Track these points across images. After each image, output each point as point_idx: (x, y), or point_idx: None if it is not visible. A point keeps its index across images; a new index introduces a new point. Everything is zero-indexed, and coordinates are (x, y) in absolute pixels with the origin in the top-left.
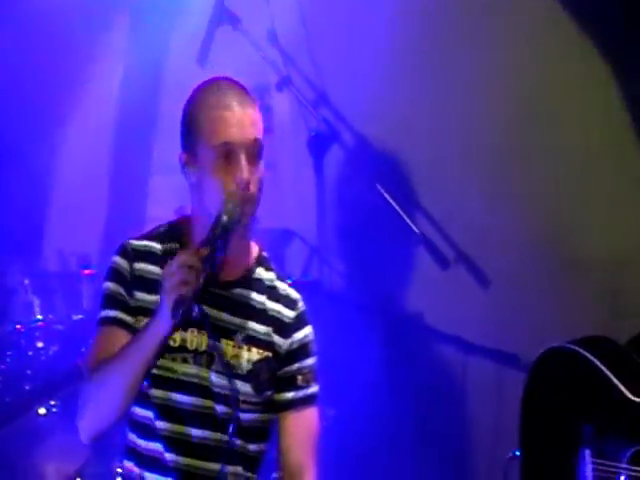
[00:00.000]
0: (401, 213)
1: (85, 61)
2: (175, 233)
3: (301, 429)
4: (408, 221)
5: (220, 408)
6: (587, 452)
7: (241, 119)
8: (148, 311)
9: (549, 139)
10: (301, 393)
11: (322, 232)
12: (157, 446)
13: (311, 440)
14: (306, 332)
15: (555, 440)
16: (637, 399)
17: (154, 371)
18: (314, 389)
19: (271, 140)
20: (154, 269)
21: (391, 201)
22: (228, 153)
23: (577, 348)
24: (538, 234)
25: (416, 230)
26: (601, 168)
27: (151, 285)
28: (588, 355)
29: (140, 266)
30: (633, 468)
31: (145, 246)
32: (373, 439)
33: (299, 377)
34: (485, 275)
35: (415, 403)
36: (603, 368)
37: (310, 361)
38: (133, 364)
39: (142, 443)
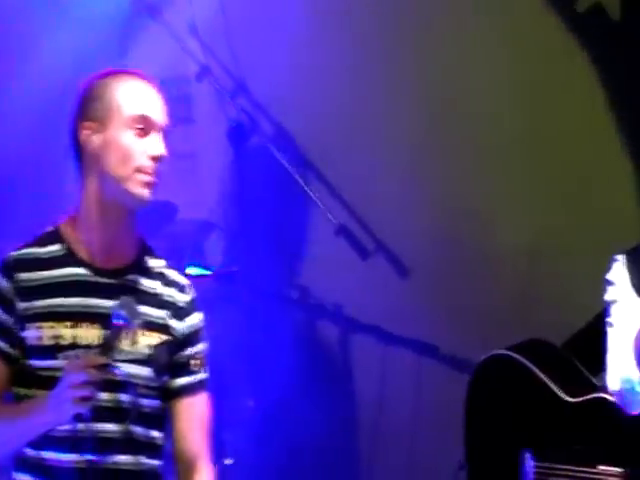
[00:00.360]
0: (320, 204)
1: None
2: (58, 234)
3: (195, 415)
4: (327, 211)
5: (123, 397)
6: (528, 455)
7: (158, 101)
8: (39, 316)
9: (465, 136)
10: (194, 378)
11: (241, 222)
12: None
13: (205, 425)
14: (199, 317)
15: (498, 444)
16: (571, 399)
17: (46, 373)
18: (205, 375)
19: (191, 131)
20: (40, 275)
21: (310, 192)
22: (146, 126)
23: (513, 354)
24: (456, 226)
25: (334, 220)
26: (514, 164)
27: (39, 291)
28: (524, 361)
29: (24, 276)
30: (572, 468)
31: (27, 254)
32: (292, 429)
33: (192, 362)
34: (404, 265)
35: (334, 393)
36: (539, 372)
37: (202, 346)
38: (17, 435)
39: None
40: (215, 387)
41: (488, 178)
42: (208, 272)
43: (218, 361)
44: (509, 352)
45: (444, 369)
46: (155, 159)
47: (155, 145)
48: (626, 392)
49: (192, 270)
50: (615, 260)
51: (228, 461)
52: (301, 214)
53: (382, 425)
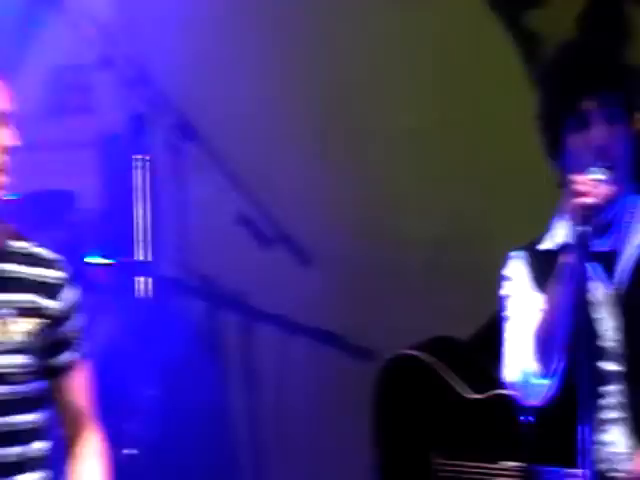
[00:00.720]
0: (220, 192)
1: None
2: None
3: (79, 385)
4: (228, 200)
5: (3, 388)
6: (434, 454)
7: None
8: None
9: (372, 123)
10: (75, 353)
11: (147, 213)
12: None
13: (90, 393)
14: (75, 292)
15: (407, 445)
16: (473, 396)
17: None
18: (86, 347)
19: (91, 120)
20: None
21: (212, 182)
22: None
23: (418, 353)
24: (361, 215)
25: (235, 209)
26: (421, 151)
27: None
28: (429, 359)
29: None
30: (476, 465)
31: None
32: (194, 417)
33: (72, 338)
34: (307, 254)
35: (236, 381)
36: (443, 371)
37: (80, 321)
38: None
39: None
40: (115, 376)
41: (399, 164)
42: (108, 261)
43: (118, 350)
44: (413, 351)
45: (345, 358)
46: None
47: None
48: (523, 384)
49: (91, 259)
50: (511, 257)
51: (130, 451)
52: (202, 202)
53: (282, 412)
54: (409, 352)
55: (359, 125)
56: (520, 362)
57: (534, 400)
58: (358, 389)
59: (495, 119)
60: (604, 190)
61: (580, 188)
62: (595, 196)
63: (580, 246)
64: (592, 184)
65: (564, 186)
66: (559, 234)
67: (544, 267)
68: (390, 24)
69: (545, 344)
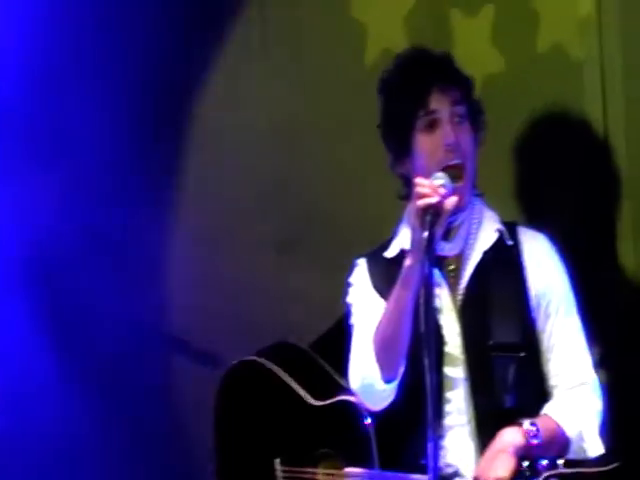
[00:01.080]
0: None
1: None
2: None
3: None
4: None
5: None
6: (277, 461)
7: None
8: None
9: (230, 120)
10: None
11: None
12: None
13: None
14: None
15: (251, 453)
16: (316, 403)
17: None
18: None
19: None
20: None
21: None
22: None
23: (260, 359)
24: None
25: None
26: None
27: None
28: (272, 365)
29: None
30: (317, 471)
31: None
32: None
33: None
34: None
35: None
36: (286, 377)
37: None
38: None
39: None
40: None
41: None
42: None
43: None
44: (256, 357)
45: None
46: None
47: None
48: (365, 389)
49: None
50: (356, 265)
51: None
52: None
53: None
54: (251, 358)
55: (214, 125)
56: (363, 368)
57: (377, 405)
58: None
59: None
60: (448, 195)
61: (423, 191)
62: (438, 200)
63: (425, 250)
64: (436, 188)
65: (407, 195)
66: (404, 240)
67: (386, 273)
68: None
69: (387, 349)
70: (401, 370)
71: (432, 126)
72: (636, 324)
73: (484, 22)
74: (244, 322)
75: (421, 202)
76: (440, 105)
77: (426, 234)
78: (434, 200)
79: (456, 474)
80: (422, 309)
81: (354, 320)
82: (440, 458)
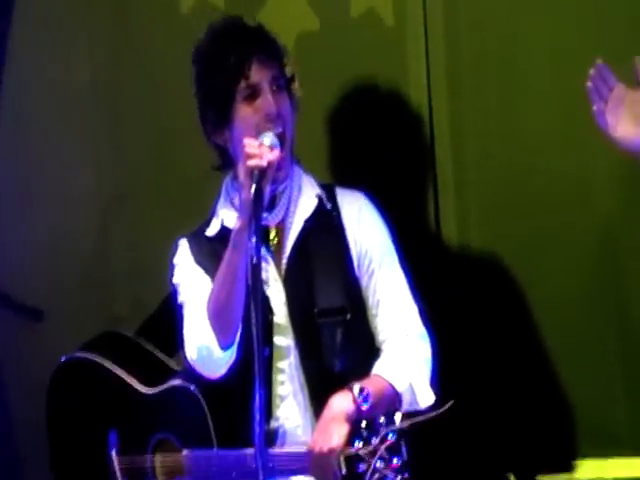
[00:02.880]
0: None
1: None
2: None
3: None
4: None
5: None
6: (113, 453)
7: None
8: None
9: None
10: None
11: None
12: None
13: None
14: None
15: (87, 449)
16: (148, 391)
17: None
18: None
19: None
20: None
21: None
22: None
23: (86, 355)
24: (27, 174)
25: None
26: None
27: None
28: (98, 359)
29: None
30: (160, 457)
31: None
32: None
33: None
34: None
35: None
36: (114, 368)
37: None
38: None
39: None
40: None
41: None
42: None
43: None
44: (83, 353)
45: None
46: None
47: None
48: (202, 358)
49: None
50: (178, 245)
51: None
52: None
53: None
54: (78, 355)
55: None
56: (199, 337)
57: (216, 372)
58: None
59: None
60: (275, 155)
61: (252, 151)
62: (267, 159)
63: (254, 212)
64: (264, 148)
65: (222, 166)
66: (224, 216)
67: (209, 252)
68: None
69: (221, 314)
70: (237, 335)
71: (253, 96)
72: (455, 274)
73: None
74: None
75: (251, 162)
76: (260, 76)
77: (254, 188)
78: (264, 162)
79: (288, 443)
80: (249, 277)
81: (183, 297)
82: (270, 429)
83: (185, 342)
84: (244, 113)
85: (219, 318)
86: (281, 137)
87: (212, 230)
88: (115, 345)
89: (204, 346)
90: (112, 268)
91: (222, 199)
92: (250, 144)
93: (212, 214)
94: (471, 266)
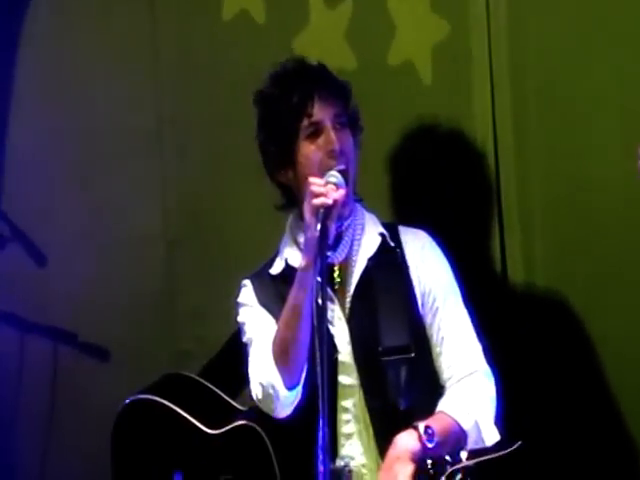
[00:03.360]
0: None
1: None
2: None
3: None
4: None
5: None
6: None
7: None
8: None
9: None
10: None
11: None
12: None
13: None
14: None
15: None
16: (214, 432)
17: None
18: None
19: None
20: None
21: None
22: None
23: (152, 397)
24: (94, 213)
25: None
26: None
27: None
28: (163, 401)
29: None
30: None
31: None
32: None
33: None
34: (42, 253)
35: None
36: (180, 410)
37: None
38: None
39: None
40: None
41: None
42: None
43: None
44: (148, 395)
45: (82, 357)
46: None
47: None
48: (269, 398)
49: None
50: (243, 285)
51: None
52: None
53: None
54: (142, 397)
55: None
56: (264, 376)
57: (281, 412)
58: (96, 392)
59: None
60: (340, 193)
61: (318, 190)
62: (333, 197)
63: (319, 250)
64: (330, 186)
65: (286, 205)
66: (288, 255)
67: (273, 291)
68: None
69: (287, 354)
70: (303, 375)
71: (316, 134)
72: (520, 313)
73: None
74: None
75: (317, 201)
76: (323, 114)
77: (319, 227)
78: (329, 200)
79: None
80: (315, 315)
81: (248, 336)
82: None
83: (250, 382)
84: (307, 151)
85: (285, 358)
86: (344, 174)
87: (276, 269)
88: (178, 386)
89: (270, 386)
90: (178, 307)
91: (286, 238)
92: (316, 182)
93: (276, 253)
94: (537, 305)
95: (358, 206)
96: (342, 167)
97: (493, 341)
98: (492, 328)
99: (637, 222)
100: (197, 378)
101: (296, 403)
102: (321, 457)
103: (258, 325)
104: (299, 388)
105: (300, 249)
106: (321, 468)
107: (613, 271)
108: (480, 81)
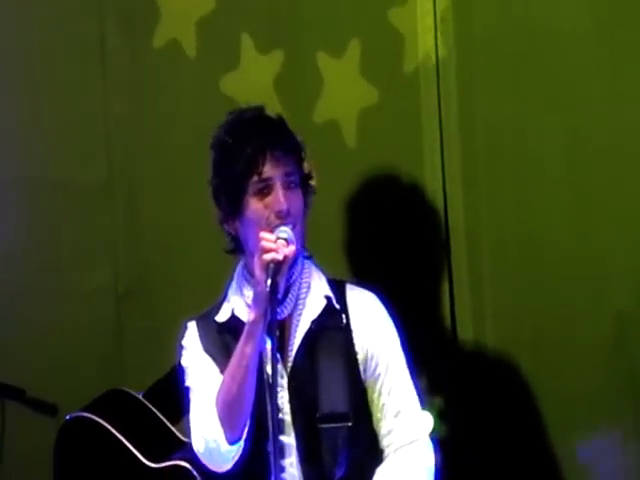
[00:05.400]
0: None
1: None
2: None
3: None
4: None
5: None
6: None
7: None
8: None
9: None
10: None
11: None
12: None
13: None
14: None
15: None
16: (151, 464)
17: None
18: None
19: None
20: None
21: None
22: None
23: (92, 416)
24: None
25: None
26: None
27: None
28: (104, 422)
29: None
30: None
31: None
32: None
33: None
34: None
35: None
36: (119, 435)
37: None
38: None
39: None
40: None
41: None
42: None
43: None
44: (88, 413)
45: (30, 413)
46: None
47: None
48: (209, 451)
49: None
50: (187, 327)
51: None
52: None
53: None
54: (83, 415)
55: None
56: (206, 430)
57: (222, 466)
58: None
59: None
60: (291, 249)
61: (269, 245)
62: (283, 253)
63: (268, 299)
64: (280, 241)
65: (234, 250)
66: (234, 304)
67: (218, 338)
68: None
69: (231, 409)
70: (245, 429)
71: (265, 191)
72: (469, 378)
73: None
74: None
75: (267, 256)
76: (273, 172)
77: (269, 282)
78: (280, 256)
79: None
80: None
81: (190, 382)
82: None
83: (192, 433)
84: (255, 207)
85: (229, 412)
86: (292, 231)
87: (222, 316)
88: (122, 407)
89: (211, 439)
90: (127, 362)
91: (234, 285)
92: (266, 237)
93: (223, 298)
94: (486, 362)
95: (307, 263)
96: (288, 225)
97: (443, 397)
98: (441, 384)
99: (585, 278)
100: (141, 399)
101: (237, 457)
102: None
103: (201, 374)
104: (241, 443)
105: (245, 301)
106: None
107: (561, 327)
108: (430, 139)
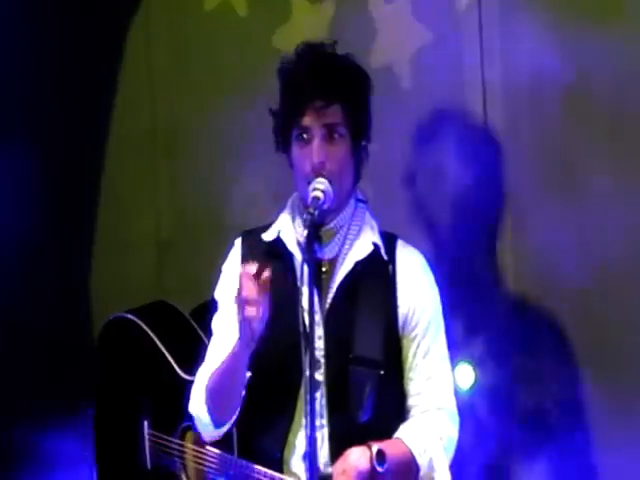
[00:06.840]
0: None
1: None
2: None
3: None
4: None
5: None
6: (145, 422)
7: None
8: None
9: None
10: None
11: None
12: None
13: None
14: None
15: (121, 407)
16: (184, 376)
17: None
18: None
19: None
20: None
21: None
22: None
23: (136, 319)
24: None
25: None
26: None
27: None
28: (145, 327)
29: None
30: (180, 442)
31: None
32: None
33: None
34: None
35: None
36: (158, 342)
37: None
38: None
39: None
40: None
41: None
42: None
43: None
44: (132, 315)
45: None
46: None
47: None
48: (199, 424)
49: None
50: (233, 244)
51: None
52: None
53: None
54: (126, 316)
55: None
56: (195, 406)
57: (209, 439)
58: None
59: None
60: (328, 199)
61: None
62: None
63: (305, 249)
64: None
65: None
66: (282, 224)
67: (260, 256)
68: None
69: (217, 403)
70: (232, 418)
71: (305, 139)
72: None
73: None
74: None
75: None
76: (313, 123)
77: (306, 232)
78: (256, 314)
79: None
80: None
81: (214, 325)
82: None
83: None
84: (296, 153)
85: (214, 404)
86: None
87: (269, 236)
88: (164, 317)
89: (198, 417)
90: None
91: (285, 213)
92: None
93: (272, 222)
94: None
95: (360, 208)
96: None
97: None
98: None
99: None
100: (184, 314)
101: (225, 430)
102: (308, 464)
103: (225, 318)
104: (228, 425)
105: (295, 229)
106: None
107: None
108: None
